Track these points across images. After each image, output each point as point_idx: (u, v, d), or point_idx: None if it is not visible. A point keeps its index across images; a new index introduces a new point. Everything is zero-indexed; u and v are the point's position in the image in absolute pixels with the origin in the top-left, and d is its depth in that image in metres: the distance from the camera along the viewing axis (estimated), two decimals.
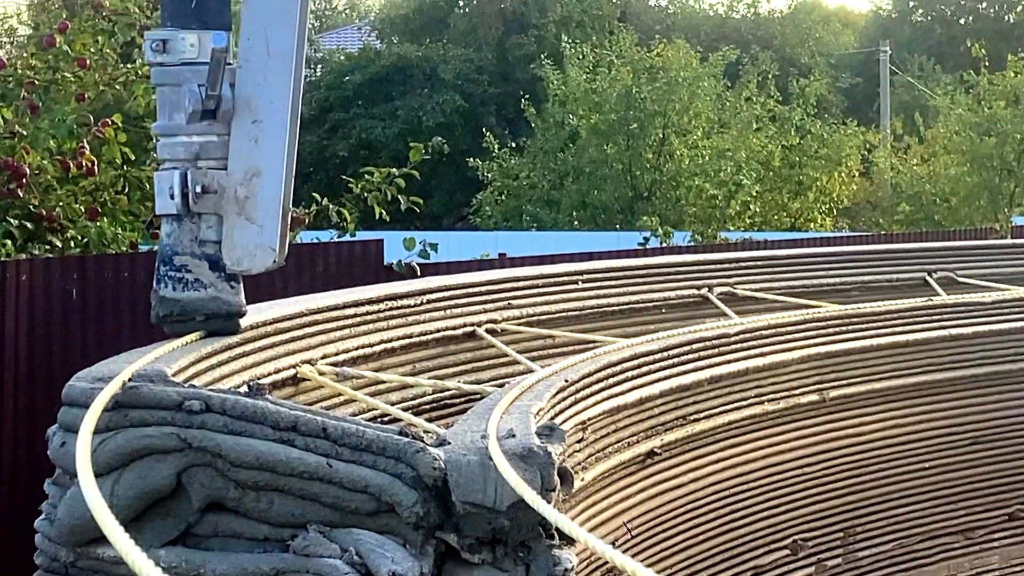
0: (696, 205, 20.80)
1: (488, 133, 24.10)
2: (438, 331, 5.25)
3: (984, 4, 43.52)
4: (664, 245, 11.50)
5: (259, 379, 4.02)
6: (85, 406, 3.20)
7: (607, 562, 3.48)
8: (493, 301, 5.66)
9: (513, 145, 24.95)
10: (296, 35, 3.98)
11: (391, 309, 5.08)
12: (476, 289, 5.63)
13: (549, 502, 3.05)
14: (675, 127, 21.84)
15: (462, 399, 4.85)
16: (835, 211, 25.12)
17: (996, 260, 8.08)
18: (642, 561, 4.76)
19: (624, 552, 3.44)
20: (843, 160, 23.87)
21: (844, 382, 6.38)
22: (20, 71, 7.88)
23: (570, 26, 30.49)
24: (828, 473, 6.18)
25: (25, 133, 7.47)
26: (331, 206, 8.73)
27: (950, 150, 23.11)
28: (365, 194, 8.88)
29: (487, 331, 5.46)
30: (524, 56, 30.27)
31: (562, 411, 4.24)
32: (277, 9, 3.98)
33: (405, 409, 4.55)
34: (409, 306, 5.18)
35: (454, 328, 5.34)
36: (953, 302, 7.18)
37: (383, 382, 4.73)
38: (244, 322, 4.12)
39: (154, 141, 4.19)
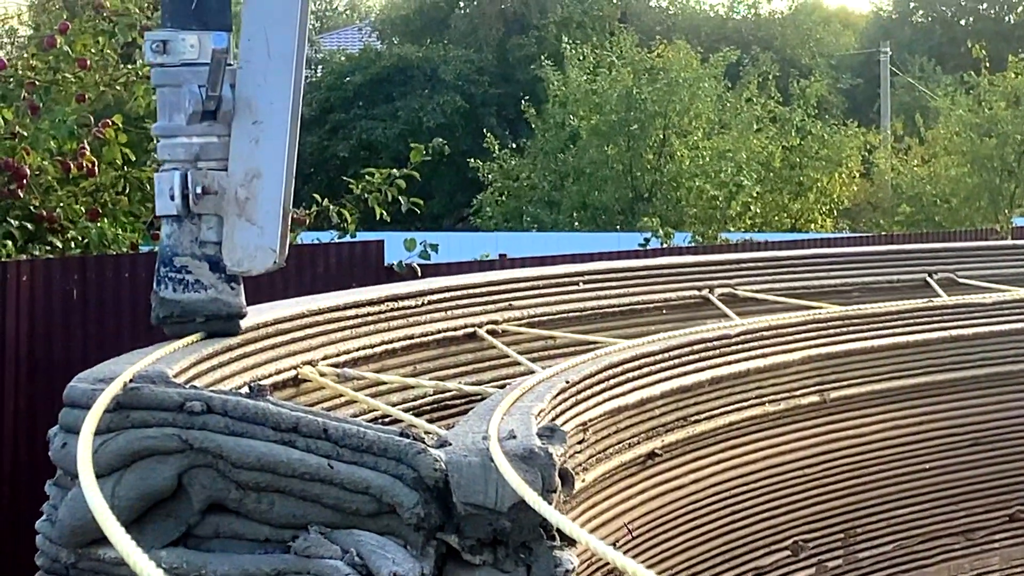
0: (697, 206, 20.78)
1: (489, 134, 24.11)
2: (439, 332, 5.25)
3: (984, 5, 43.54)
4: (665, 246, 11.51)
5: (260, 380, 4.02)
6: (86, 407, 3.20)
7: (608, 563, 3.48)
8: (494, 302, 5.66)
9: (514, 146, 24.97)
10: (296, 36, 3.98)
11: (392, 310, 5.08)
12: (477, 290, 5.63)
13: (550, 503, 3.05)
14: (676, 128, 21.84)
15: (463, 400, 4.85)
16: (836, 212, 25.11)
17: (997, 261, 8.08)
18: (643, 562, 4.76)
19: (625, 553, 3.43)
20: (844, 161, 23.87)
21: (845, 383, 6.38)
22: (21, 72, 7.88)
23: (571, 27, 30.50)
24: (829, 474, 6.18)
25: (26, 134, 7.48)
26: (332, 207, 8.74)
27: (951, 151, 23.11)
28: (366, 195, 8.88)
29: (488, 332, 5.45)
30: (525, 57, 30.27)
31: (563, 412, 4.24)
32: (277, 10, 3.98)
33: (406, 410, 4.55)
34: (410, 307, 5.18)
35: (455, 329, 5.34)
36: (954, 303, 7.18)
37: (384, 383, 4.73)
38: (245, 323, 4.12)
39: (154, 142, 4.18)
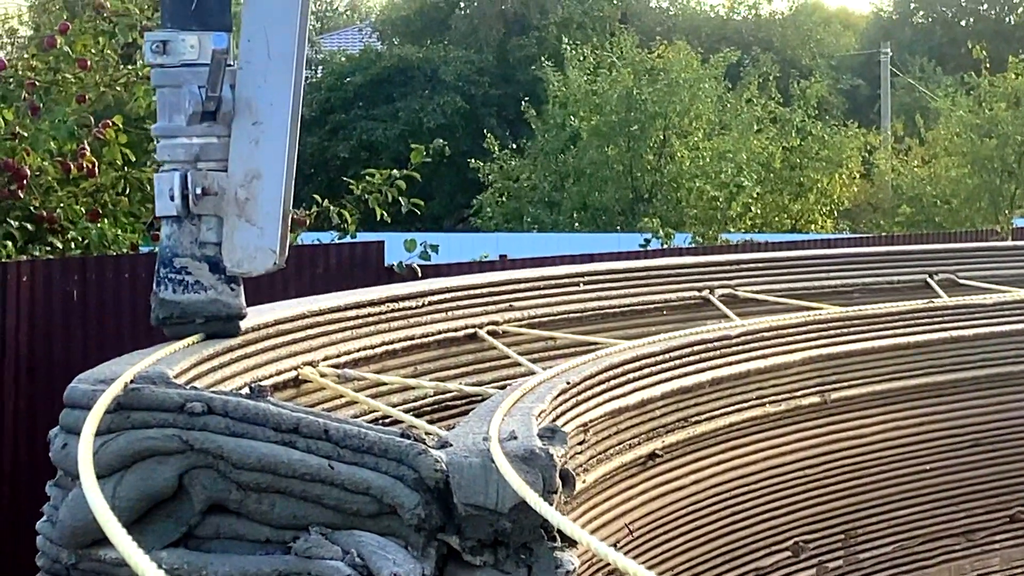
0: (697, 207, 20.77)
1: (489, 135, 24.11)
2: (439, 333, 5.25)
3: (985, 6, 43.54)
4: (665, 247, 11.51)
5: (260, 381, 4.02)
6: (87, 408, 3.20)
7: (609, 564, 3.48)
8: (494, 303, 5.66)
9: (514, 147, 24.96)
10: (297, 36, 3.97)
11: (392, 311, 5.08)
12: (477, 291, 5.63)
13: (551, 504, 3.04)
14: (676, 129, 21.84)
15: (464, 401, 4.85)
16: (836, 213, 25.10)
17: (997, 262, 8.08)
18: (643, 563, 4.76)
19: (625, 554, 3.43)
20: (844, 162, 23.86)
21: (845, 384, 6.38)
22: (21, 72, 7.88)
23: (571, 28, 30.50)
24: (830, 475, 6.18)
25: (26, 134, 7.47)
26: (332, 208, 8.74)
27: (951, 152, 23.12)
28: (366, 196, 8.88)
29: (488, 333, 5.45)
30: (525, 58, 30.27)
31: (564, 413, 4.24)
32: (278, 10, 3.97)
33: (407, 411, 4.55)
34: (410, 308, 5.18)
35: (455, 330, 5.34)
36: (954, 304, 7.18)
37: (384, 384, 4.73)
38: (245, 323, 4.12)
39: (154, 143, 4.18)
